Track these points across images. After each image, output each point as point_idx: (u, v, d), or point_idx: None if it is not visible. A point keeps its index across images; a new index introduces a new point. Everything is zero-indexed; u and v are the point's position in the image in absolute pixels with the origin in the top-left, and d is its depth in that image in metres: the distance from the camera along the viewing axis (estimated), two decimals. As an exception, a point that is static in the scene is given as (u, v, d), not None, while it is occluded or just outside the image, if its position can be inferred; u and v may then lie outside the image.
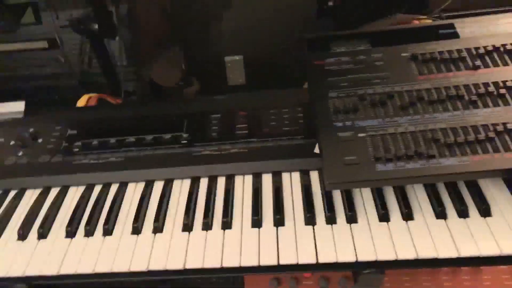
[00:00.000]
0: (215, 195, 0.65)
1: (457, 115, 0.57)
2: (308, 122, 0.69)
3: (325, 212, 0.59)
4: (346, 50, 0.66)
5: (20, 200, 0.69)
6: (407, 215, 0.57)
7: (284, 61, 0.86)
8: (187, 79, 1.01)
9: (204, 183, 0.67)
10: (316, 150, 0.64)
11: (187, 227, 0.61)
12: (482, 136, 0.55)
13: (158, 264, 0.57)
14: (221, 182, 0.67)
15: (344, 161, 0.54)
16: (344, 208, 0.59)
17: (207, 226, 0.61)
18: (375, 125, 0.57)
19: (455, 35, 0.68)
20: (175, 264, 0.57)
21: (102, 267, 0.58)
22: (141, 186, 0.69)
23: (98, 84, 1.00)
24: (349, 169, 0.53)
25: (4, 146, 0.76)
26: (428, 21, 0.82)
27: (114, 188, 0.69)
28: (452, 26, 0.69)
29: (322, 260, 0.55)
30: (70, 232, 0.62)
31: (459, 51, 0.64)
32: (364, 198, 0.61)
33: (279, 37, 0.85)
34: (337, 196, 0.61)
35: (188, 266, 0.56)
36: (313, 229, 0.58)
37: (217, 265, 0.56)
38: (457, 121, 0.57)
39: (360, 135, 0.56)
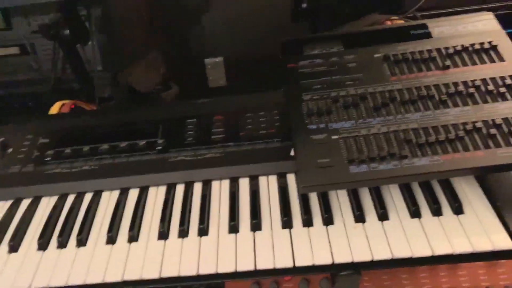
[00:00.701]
0: (191, 201, 0.64)
1: (428, 115, 0.58)
2: (284, 125, 0.69)
3: (301, 215, 0.59)
4: (319, 52, 0.66)
5: (-9, 212, 0.67)
6: (383, 216, 0.58)
7: (264, 62, 0.86)
8: (165, 83, 1.00)
9: (180, 189, 0.67)
10: (292, 153, 0.64)
11: (163, 234, 0.60)
12: (452, 135, 0.55)
13: (133, 274, 0.56)
14: (197, 188, 0.66)
15: (318, 164, 0.54)
16: (321, 210, 0.59)
17: (183, 233, 0.60)
18: (348, 127, 0.58)
19: (428, 35, 0.69)
20: (151, 273, 0.56)
21: (76, 280, 0.56)
22: (115, 194, 0.67)
23: (72, 91, 0.98)
24: (323, 172, 0.53)
25: (-29, 157, 0.73)
26: (401, 22, 0.83)
27: (88, 197, 0.67)
28: (424, 26, 0.70)
29: (299, 263, 0.55)
30: (42, 244, 0.61)
31: (429, 51, 0.65)
32: (340, 200, 0.61)
33: (257, 38, 0.85)
34: (313, 198, 0.61)
35: (164, 275, 0.56)
36: (290, 232, 0.58)
37: (193, 273, 0.55)
38: (428, 121, 0.58)
39: (334, 137, 0.57)
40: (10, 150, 0.74)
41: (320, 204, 0.60)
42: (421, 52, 0.65)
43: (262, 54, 0.84)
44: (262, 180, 0.66)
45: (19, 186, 0.69)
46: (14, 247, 0.61)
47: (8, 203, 0.68)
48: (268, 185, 0.65)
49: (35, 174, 0.69)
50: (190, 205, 0.64)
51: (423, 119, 0.58)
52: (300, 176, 0.54)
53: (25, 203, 0.68)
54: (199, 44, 0.91)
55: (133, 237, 0.60)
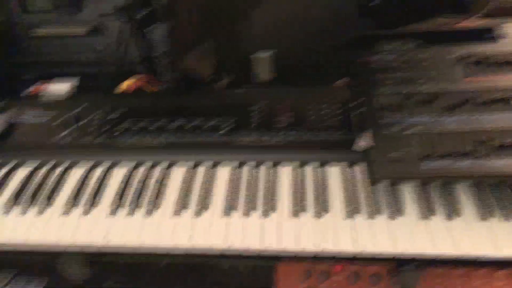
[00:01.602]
0: (256, 183, 0.66)
1: (504, 117, 0.58)
2: (348, 118, 0.70)
3: (368, 205, 0.60)
4: (392, 48, 0.67)
5: (65, 177, 0.72)
6: (450, 214, 0.58)
7: (315, 59, 0.87)
8: (218, 73, 1.03)
9: (245, 170, 0.69)
10: (356, 146, 0.65)
11: (229, 210, 0.63)
12: (529, 139, 0.55)
13: (200, 240, 0.59)
14: (262, 171, 0.69)
15: (390, 157, 0.55)
16: (388, 202, 0.60)
17: (248, 211, 0.62)
18: (421, 123, 0.58)
19: (502, 38, 0.68)
20: (217, 243, 0.59)
21: (146, 242, 0.60)
22: (183, 170, 0.70)
23: (134, 73, 1.03)
24: (395, 165, 0.54)
25: (49, 126, 0.78)
26: (473, 23, 0.81)
27: (156, 170, 0.71)
28: (499, 28, 0.69)
29: (361, 250, 0.56)
30: (114, 210, 0.65)
31: (506, 54, 0.64)
32: (407, 195, 0.61)
33: (311, 35, 0.86)
34: (381, 191, 0.62)
35: (228, 247, 0.58)
36: (354, 221, 0.60)
37: (257, 247, 0.58)
38: (504, 124, 0.57)
39: (406, 132, 0.57)
40: (82, 122, 0.78)
41: (387, 197, 0.61)
42: (497, 54, 0.64)
43: (313, 51, 0.84)
44: (326, 169, 0.67)
45: (91, 156, 0.73)
46: (86, 211, 0.65)
47: (81, 170, 0.73)
48: (332, 175, 0.66)
49: (108, 145, 0.74)
50: (256, 186, 0.66)
51: (498, 121, 0.57)
52: (372, 167, 0.55)
53: (97, 171, 0.72)
54: (249, 38, 0.93)
55: (200, 211, 0.63)
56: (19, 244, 0.63)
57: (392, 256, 0.56)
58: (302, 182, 0.66)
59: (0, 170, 0.75)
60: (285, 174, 0.68)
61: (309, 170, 0.68)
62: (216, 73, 1.02)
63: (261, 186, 0.66)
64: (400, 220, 0.59)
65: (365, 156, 0.60)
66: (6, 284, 0.85)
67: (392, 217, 0.59)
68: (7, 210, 0.67)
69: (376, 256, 0.57)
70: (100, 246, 0.61)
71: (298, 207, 0.62)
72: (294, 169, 0.68)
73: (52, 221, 0.65)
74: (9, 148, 0.76)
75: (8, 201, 0.68)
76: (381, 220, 0.59)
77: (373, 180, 0.55)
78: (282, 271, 0.78)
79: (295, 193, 0.64)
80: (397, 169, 0.54)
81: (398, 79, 0.63)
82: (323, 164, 0.68)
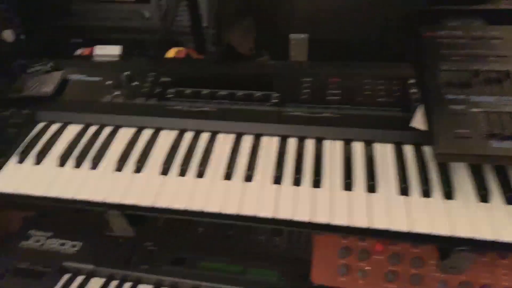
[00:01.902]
0: (304, 155, 0.66)
1: None
2: (405, 95, 0.68)
3: (421, 184, 0.59)
4: (460, 25, 0.63)
5: (115, 136, 0.73)
6: (510, 198, 0.55)
7: (352, 40, 0.84)
8: (259, 49, 1.02)
9: (292, 142, 0.68)
10: (414, 123, 0.63)
11: (277, 179, 0.62)
12: None
13: (249, 208, 0.59)
14: (309, 144, 0.68)
15: (456, 134, 0.53)
16: (441, 183, 0.58)
17: (297, 181, 0.61)
18: (490, 102, 0.55)
19: None
20: (265, 211, 0.58)
21: (194, 205, 0.60)
22: (231, 137, 0.70)
23: (180, 42, 1.03)
24: (461, 142, 0.52)
25: (101, 85, 0.80)
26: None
27: (205, 135, 0.71)
28: None
29: (415, 229, 0.55)
30: (166, 169, 0.65)
31: None
32: (460, 176, 0.59)
33: (350, 15, 0.83)
34: (432, 170, 0.60)
35: (277, 216, 0.58)
36: (406, 199, 0.58)
37: (306, 218, 0.57)
38: None
39: (474, 110, 0.55)
40: (135, 83, 0.79)
41: (440, 177, 0.59)
42: None
43: (351, 32, 0.83)
44: (377, 146, 0.66)
45: (142, 116, 0.74)
46: (139, 168, 0.66)
47: (132, 130, 0.74)
48: (384, 152, 0.65)
49: (158, 107, 0.74)
50: (303, 158, 0.65)
51: None
52: (437, 144, 0.53)
53: (147, 132, 0.73)
54: (287, 18, 0.91)
55: (248, 177, 0.63)
56: (71, 199, 0.65)
57: (447, 238, 0.54)
58: (352, 157, 0.64)
59: (52, 125, 0.77)
60: (335, 148, 0.66)
61: (359, 146, 0.66)
62: (256, 49, 1.02)
63: (309, 158, 0.65)
64: (456, 201, 0.57)
65: (423, 133, 0.58)
66: (42, 245, 0.88)
67: (447, 197, 0.57)
68: (61, 163, 0.69)
69: (430, 237, 0.55)
70: (150, 205, 0.62)
71: (349, 181, 0.61)
72: (344, 144, 0.67)
73: (103, 178, 0.66)
74: (62, 105, 0.78)
75: (61, 155, 0.70)
76: (436, 199, 0.57)
77: (437, 156, 0.53)
78: (321, 245, 0.77)
79: (345, 167, 0.63)
80: (463, 146, 0.52)
81: (466, 56, 0.60)
82: (374, 140, 0.66)
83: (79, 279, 0.82)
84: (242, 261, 0.81)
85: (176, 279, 0.79)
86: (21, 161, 0.70)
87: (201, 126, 0.72)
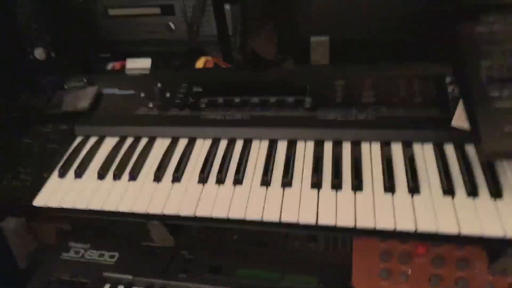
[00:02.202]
0: (341, 158, 0.65)
1: None
2: (442, 94, 0.67)
3: (466, 184, 0.57)
4: (498, 19, 0.62)
5: (152, 147, 0.74)
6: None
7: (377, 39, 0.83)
8: (282, 54, 1.02)
9: (329, 146, 0.68)
10: (455, 122, 0.62)
11: (316, 185, 0.62)
12: None
13: (289, 215, 0.59)
14: (346, 147, 0.67)
15: (502, 131, 0.51)
16: (487, 183, 0.57)
17: (337, 186, 0.61)
18: (537, 97, 0.54)
19: None
20: (306, 217, 0.58)
21: (235, 213, 0.60)
22: (265, 144, 0.70)
23: (204, 54, 1.04)
24: (508, 140, 0.50)
25: (134, 98, 0.81)
26: None
27: (239, 143, 0.71)
28: None
29: (465, 231, 0.53)
30: (203, 179, 0.66)
31: None
32: (508, 175, 0.57)
33: (370, 16, 0.82)
34: (476, 168, 0.59)
35: (320, 222, 0.57)
36: (452, 200, 0.56)
37: (349, 224, 0.56)
38: None
39: (520, 106, 0.53)
40: (167, 94, 0.80)
41: (485, 176, 0.57)
42: None
43: (371, 34, 0.82)
44: (417, 147, 0.64)
45: (177, 127, 0.75)
46: (177, 178, 0.67)
47: (167, 140, 0.75)
48: (424, 153, 0.63)
49: (192, 117, 0.75)
50: (341, 162, 0.64)
51: None
52: (483, 142, 0.52)
53: (182, 142, 0.74)
54: (307, 21, 0.90)
55: (287, 183, 0.63)
56: (112, 211, 0.66)
57: (498, 239, 0.52)
58: (392, 159, 0.63)
59: (90, 139, 0.79)
60: (374, 151, 0.65)
61: (398, 147, 0.65)
62: (280, 54, 1.02)
63: (347, 161, 0.65)
64: (505, 200, 0.55)
65: (464, 132, 0.57)
66: (84, 253, 0.90)
67: (495, 196, 0.55)
68: (101, 176, 0.70)
69: (479, 239, 0.53)
70: (190, 215, 0.62)
71: (389, 185, 0.60)
72: (382, 146, 0.66)
73: (142, 189, 0.67)
74: (98, 119, 0.80)
75: (100, 169, 0.71)
76: (484, 199, 0.56)
77: (483, 155, 0.52)
78: (361, 249, 0.76)
79: (384, 170, 0.62)
80: (511, 143, 0.50)
81: (508, 51, 0.58)
82: (413, 141, 0.65)
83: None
84: (279, 268, 0.80)
85: (214, 287, 0.79)
86: (62, 175, 0.72)
87: (235, 134, 0.72)
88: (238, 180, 0.65)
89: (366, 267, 0.75)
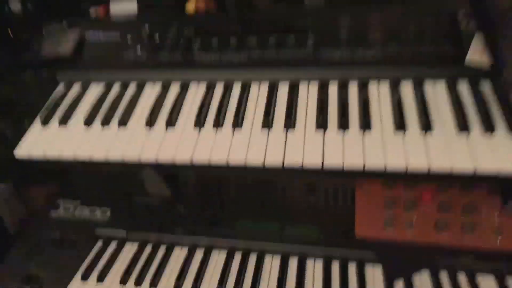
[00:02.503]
0: (347, 98, 0.61)
1: None
2: (454, 28, 0.62)
3: (481, 120, 0.54)
4: None
5: (142, 92, 0.69)
6: None
7: None
8: None
9: (333, 87, 0.63)
10: (471, 56, 0.57)
11: (322, 125, 0.58)
12: None
13: (293, 158, 0.55)
14: (353, 87, 0.63)
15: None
16: (505, 118, 0.53)
17: (344, 125, 0.57)
18: None
19: None
20: (311, 160, 0.54)
21: (235, 158, 0.56)
22: (265, 86, 0.65)
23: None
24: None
25: (121, 42, 0.74)
26: None
27: (237, 86, 0.66)
28: None
29: (482, 167, 0.50)
30: (199, 122, 0.61)
31: None
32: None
33: None
34: (492, 106, 0.55)
35: (326, 163, 0.54)
36: (467, 136, 0.53)
37: (358, 164, 0.53)
38: None
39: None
40: (156, 37, 0.74)
41: (503, 110, 0.54)
42: None
43: None
44: (429, 84, 0.60)
45: (169, 71, 0.69)
46: (171, 122, 0.62)
47: (158, 86, 0.69)
48: (436, 90, 0.59)
49: (184, 60, 0.69)
50: (348, 101, 0.60)
51: None
52: (506, 71, 0.48)
53: (174, 87, 0.68)
54: None
55: (290, 125, 0.59)
56: (102, 159, 0.61)
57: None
58: (402, 97, 0.59)
59: (73, 85, 0.72)
60: (382, 88, 0.61)
61: (408, 85, 0.61)
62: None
63: (354, 101, 0.60)
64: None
65: (477, 68, 0.53)
66: (74, 210, 0.86)
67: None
68: (88, 123, 0.65)
69: (495, 177, 0.50)
70: (188, 160, 0.58)
71: (400, 124, 0.56)
72: (392, 84, 0.61)
73: (134, 135, 0.62)
74: (82, 64, 0.74)
75: (87, 115, 0.66)
76: (501, 134, 0.52)
77: (507, 83, 0.48)
78: (365, 197, 0.74)
79: (394, 109, 0.58)
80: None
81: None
82: (424, 78, 0.61)
83: (113, 245, 0.80)
84: (280, 219, 0.78)
85: (212, 240, 0.77)
86: (45, 123, 0.66)
87: (232, 77, 0.67)
88: (237, 123, 0.60)
89: (370, 215, 0.72)
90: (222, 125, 0.61)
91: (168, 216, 0.80)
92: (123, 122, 0.64)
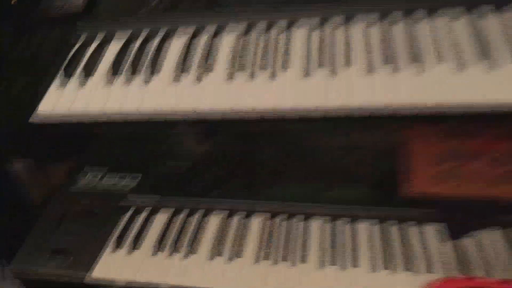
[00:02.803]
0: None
1: None
2: None
3: None
4: None
5: (170, 40, 0.61)
6: None
7: None
8: None
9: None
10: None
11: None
12: None
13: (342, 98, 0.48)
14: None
15: None
16: None
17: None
18: None
19: None
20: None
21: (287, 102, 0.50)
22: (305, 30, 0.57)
23: None
24: None
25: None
26: None
27: (273, 33, 0.58)
28: None
29: None
30: (230, 75, 0.54)
31: None
32: None
33: None
34: None
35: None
36: None
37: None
38: None
39: None
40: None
41: None
42: None
43: None
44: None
45: (192, 22, 0.61)
46: (199, 78, 0.55)
47: (183, 38, 0.61)
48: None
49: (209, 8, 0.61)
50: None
51: None
52: None
53: (207, 32, 0.61)
54: None
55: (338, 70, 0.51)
56: (133, 113, 0.55)
57: None
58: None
59: (93, 38, 0.65)
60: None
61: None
62: None
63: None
64: None
65: None
66: (101, 178, 0.81)
67: None
68: (109, 81, 0.58)
69: None
70: (229, 109, 0.51)
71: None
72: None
73: (161, 90, 0.55)
74: (97, 20, 0.66)
75: (108, 73, 0.59)
76: None
77: None
78: (419, 150, 0.67)
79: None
80: None
81: None
82: None
83: (145, 213, 0.75)
84: (322, 179, 0.72)
85: (252, 203, 0.71)
86: (64, 83, 0.60)
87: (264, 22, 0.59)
88: (273, 74, 0.52)
89: (422, 170, 0.66)
90: (255, 77, 0.53)
91: (204, 180, 0.74)
92: (151, 73, 0.57)
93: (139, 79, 0.57)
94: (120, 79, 0.58)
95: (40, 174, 0.96)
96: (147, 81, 0.56)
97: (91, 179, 0.80)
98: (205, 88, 0.54)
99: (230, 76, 0.54)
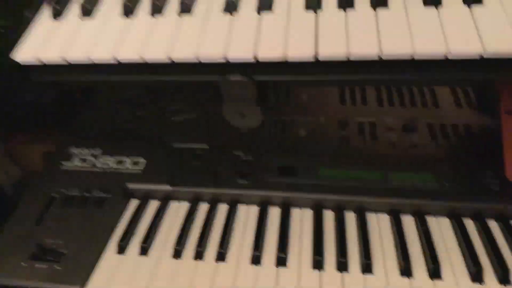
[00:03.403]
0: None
1: None
2: None
3: None
4: None
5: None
6: None
7: None
8: None
9: None
10: None
11: None
12: None
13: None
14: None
15: None
16: None
17: None
18: None
19: None
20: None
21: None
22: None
23: None
24: None
25: None
26: None
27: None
28: None
29: None
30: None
31: None
32: None
33: None
34: None
35: None
36: None
37: None
38: None
39: None
40: None
41: None
42: None
43: None
44: None
45: None
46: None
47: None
48: None
49: None
50: None
51: None
52: None
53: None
54: None
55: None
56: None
57: None
58: None
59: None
60: None
61: None
62: None
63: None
64: None
65: None
66: (92, 165, 0.64)
67: None
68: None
69: None
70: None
71: None
72: None
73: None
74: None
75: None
76: None
77: None
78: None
79: None
80: None
81: None
82: None
83: (154, 204, 0.59)
84: (377, 164, 0.57)
85: (289, 194, 0.56)
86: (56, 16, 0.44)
87: None
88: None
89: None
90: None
91: (224, 166, 0.59)
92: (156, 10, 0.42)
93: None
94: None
95: (10, 163, 0.80)
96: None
97: (79, 162, 0.63)
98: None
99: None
